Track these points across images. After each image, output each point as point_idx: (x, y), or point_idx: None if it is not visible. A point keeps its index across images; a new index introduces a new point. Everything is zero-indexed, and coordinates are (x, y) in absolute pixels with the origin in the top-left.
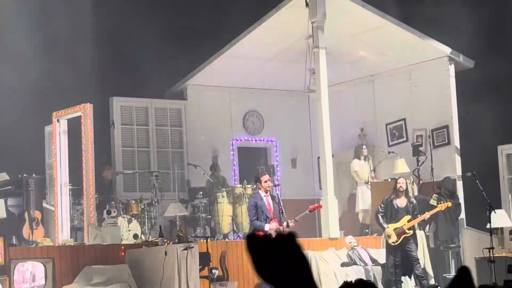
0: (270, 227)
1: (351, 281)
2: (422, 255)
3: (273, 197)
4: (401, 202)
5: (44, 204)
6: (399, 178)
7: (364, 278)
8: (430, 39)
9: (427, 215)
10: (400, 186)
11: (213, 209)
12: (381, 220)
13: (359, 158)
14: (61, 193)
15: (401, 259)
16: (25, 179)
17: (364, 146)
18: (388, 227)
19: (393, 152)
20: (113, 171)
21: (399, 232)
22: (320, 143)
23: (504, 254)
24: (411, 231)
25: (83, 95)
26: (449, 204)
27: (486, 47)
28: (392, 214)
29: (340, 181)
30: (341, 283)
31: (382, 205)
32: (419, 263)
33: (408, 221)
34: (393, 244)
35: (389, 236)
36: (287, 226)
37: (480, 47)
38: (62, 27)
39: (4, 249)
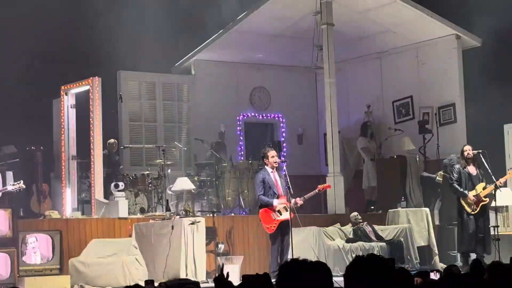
0: (279, 202)
1: (363, 255)
2: (427, 232)
3: (279, 174)
4: (472, 169)
5: (52, 177)
6: (464, 145)
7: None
8: (438, 17)
9: (500, 181)
10: (468, 154)
11: (219, 184)
12: (460, 189)
13: (365, 135)
14: (69, 166)
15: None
16: (33, 152)
17: (369, 123)
18: (469, 195)
19: (399, 130)
20: (120, 145)
21: (477, 200)
22: (327, 119)
23: (509, 232)
24: (487, 199)
25: (91, 69)
26: None
27: (494, 26)
28: (467, 183)
29: (346, 157)
30: (346, 259)
31: (454, 175)
32: None
33: (484, 189)
34: (472, 213)
35: (469, 205)
36: (295, 203)
37: (488, 25)
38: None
39: (12, 222)
